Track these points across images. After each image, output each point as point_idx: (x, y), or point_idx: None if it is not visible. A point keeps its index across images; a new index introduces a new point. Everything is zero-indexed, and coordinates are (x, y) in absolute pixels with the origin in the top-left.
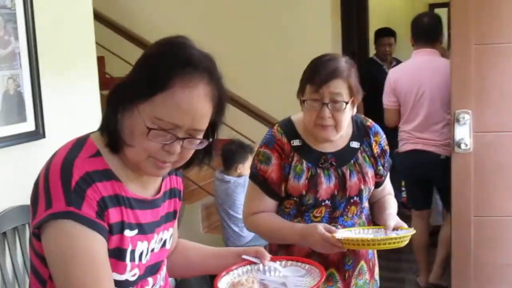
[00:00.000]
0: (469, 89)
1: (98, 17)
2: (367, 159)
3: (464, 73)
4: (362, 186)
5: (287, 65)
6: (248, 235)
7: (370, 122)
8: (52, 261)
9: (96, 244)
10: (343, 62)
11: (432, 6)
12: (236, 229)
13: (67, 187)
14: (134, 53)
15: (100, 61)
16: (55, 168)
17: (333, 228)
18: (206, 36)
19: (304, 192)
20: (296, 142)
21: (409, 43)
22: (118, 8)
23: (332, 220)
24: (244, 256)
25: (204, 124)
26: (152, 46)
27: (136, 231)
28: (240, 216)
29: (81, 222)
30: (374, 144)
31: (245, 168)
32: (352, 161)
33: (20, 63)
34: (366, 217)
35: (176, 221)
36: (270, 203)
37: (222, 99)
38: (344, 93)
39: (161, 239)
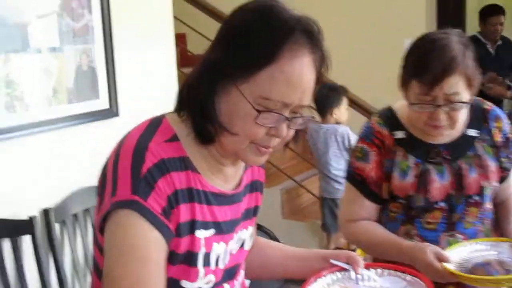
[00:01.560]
0: None
1: None
2: (488, 149)
3: None
4: (484, 183)
5: (378, 44)
6: (341, 192)
7: (488, 104)
8: (105, 252)
9: (153, 244)
10: (457, 45)
11: None
12: (331, 182)
13: (136, 173)
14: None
15: (181, 38)
16: (127, 152)
17: (445, 254)
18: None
19: (412, 193)
20: (399, 134)
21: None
22: None
23: (450, 227)
24: (333, 261)
25: (310, 99)
26: (238, 13)
27: (212, 230)
28: (340, 172)
29: (144, 215)
30: (495, 131)
31: (341, 112)
32: (470, 153)
33: (94, 37)
34: (491, 223)
35: (255, 218)
36: (370, 207)
37: (322, 67)
38: (462, 90)
39: (240, 238)
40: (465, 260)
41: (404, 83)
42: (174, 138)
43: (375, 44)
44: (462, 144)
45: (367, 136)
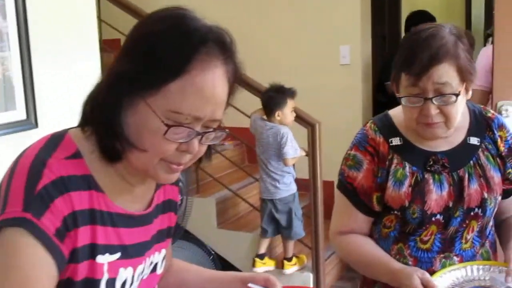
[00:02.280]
0: None
1: None
2: (492, 159)
3: (508, 59)
4: (486, 194)
5: (311, 50)
6: (284, 189)
7: (492, 113)
8: None
9: (42, 267)
10: (447, 35)
11: None
12: (270, 182)
13: (30, 190)
14: None
15: (115, 43)
16: (22, 167)
17: (432, 282)
18: (222, 15)
19: (407, 203)
20: (395, 141)
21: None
22: None
23: (446, 246)
24: (251, 285)
25: (222, 113)
26: (146, 22)
27: (118, 254)
28: (277, 172)
29: (35, 235)
30: (499, 140)
31: (285, 114)
32: (471, 162)
33: (9, 44)
34: (490, 245)
35: (170, 240)
36: (362, 220)
37: (236, 78)
38: (454, 80)
39: (152, 263)
40: (455, 286)
41: (395, 79)
42: (77, 155)
43: (311, 51)
44: (463, 153)
45: (360, 143)
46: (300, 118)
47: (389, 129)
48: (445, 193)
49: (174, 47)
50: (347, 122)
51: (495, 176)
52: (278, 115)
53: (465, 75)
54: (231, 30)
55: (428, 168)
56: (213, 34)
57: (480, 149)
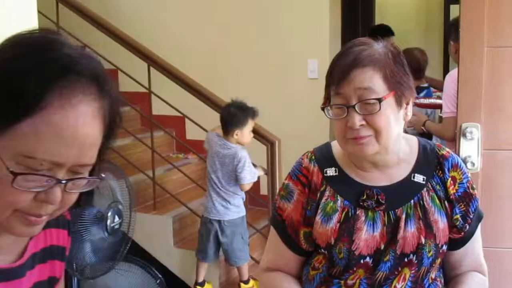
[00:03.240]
0: (478, 99)
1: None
2: (437, 201)
3: (473, 80)
4: (424, 240)
5: (278, 63)
6: (234, 211)
7: (446, 151)
8: None
9: None
10: (376, 47)
11: (448, 2)
12: (220, 202)
13: None
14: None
15: None
16: None
17: None
18: (186, 28)
19: (332, 241)
20: (330, 171)
21: (417, 41)
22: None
23: None
24: None
25: (94, 156)
26: (4, 45)
27: None
28: (228, 192)
29: None
30: (450, 181)
31: (244, 135)
32: (412, 202)
33: None
34: None
35: None
36: (289, 257)
37: (115, 115)
38: (378, 86)
39: None
40: None
41: (326, 97)
42: None
43: (278, 65)
44: (405, 190)
45: (293, 172)
46: (259, 135)
47: (326, 158)
48: (377, 233)
49: (27, 78)
50: (316, 138)
51: (440, 221)
52: (236, 134)
53: (393, 84)
54: (195, 42)
55: (361, 203)
56: (79, 65)
57: (425, 189)
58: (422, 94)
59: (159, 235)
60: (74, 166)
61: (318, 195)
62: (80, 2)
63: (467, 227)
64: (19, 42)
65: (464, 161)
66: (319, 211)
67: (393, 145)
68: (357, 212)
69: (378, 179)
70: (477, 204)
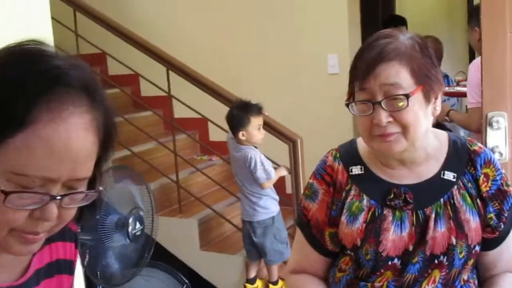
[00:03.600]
0: (503, 87)
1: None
2: (469, 199)
3: (498, 67)
4: (455, 240)
5: (297, 59)
6: (262, 212)
7: (478, 146)
8: None
9: None
10: (402, 39)
11: None
12: (248, 204)
13: None
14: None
15: (95, 58)
16: None
17: None
18: (209, 31)
19: (359, 242)
20: (356, 170)
21: (441, 30)
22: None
23: None
24: None
25: (89, 169)
26: None
27: None
28: (253, 194)
29: None
30: (482, 178)
31: (250, 134)
32: (442, 200)
33: None
34: None
35: None
36: (315, 259)
37: (109, 126)
38: (404, 81)
39: None
40: None
41: (350, 92)
42: None
43: (297, 61)
44: (434, 188)
45: (318, 170)
46: (280, 134)
47: (351, 156)
48: (405, 233)
49: (14, 92)
50: (338, 134)
51: (472, 220)
52: (243, 135)
53: (421, 78)
54: (209, 43)
55: (388, 203)
56: (68, 76)
57: (455, 186)
58: None
59: (185, 239)
60: (69, 181)
61: (344, 194)
62: (97, 9)
63: (502, 226)
64: (5, 54)
65: (492, 151)
66: (344, 211)
67: (421, 141)
68: (384, 212)
69: (406, 176)
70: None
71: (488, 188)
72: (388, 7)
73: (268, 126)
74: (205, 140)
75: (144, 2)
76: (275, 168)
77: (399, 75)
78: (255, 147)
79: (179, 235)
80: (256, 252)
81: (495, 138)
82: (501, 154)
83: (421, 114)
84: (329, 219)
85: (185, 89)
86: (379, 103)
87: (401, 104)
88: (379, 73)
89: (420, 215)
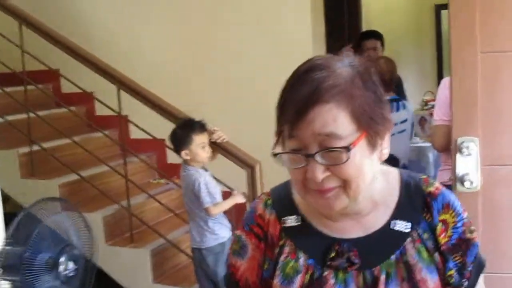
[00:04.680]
0: (474, 110)
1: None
2: (425, 254)
3: (468, 90)
4: None
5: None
6: (211, 237)
7: (435, 187)
8: None
9: None
10: (340, 71)
11: (439, 8)
12: (196, 229)
13: None
14: None
15: (41, 75)
16: None
17: None
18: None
19: None
20: (290, 221)
21: (408, 48)
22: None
23: None
24: None
25: None
26: None
27: None
28: (201, 218)
29: None
30: (441, 227)
31: (194, 152)
32: (393, 257)
33: None
34: None
35: None
36: None
37: None
38: (344, 129)
39: None
40: None
41: (277, 133)
42: None
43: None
44: (384, 242)
45: (246, 221)
46: (238, 159)
47: (285, 204)
48: None
49: None
50: None
51: (429, 280)
52: (187, 154)
53: (364, 123)
54: (169, 59)
55: (329, 263)
56: None
57: (409, 239)
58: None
59: (137, 270)
60: None
61: (276, 251)
62: (44, 23)
63: (466, 283)
64: None
65: (462, 179)
66: (277, 271)
67: (366, 192)
68: (325, 274)
69: (350, 229)
70: (477, 251)
71: (447, 239)
72: (354, 20)
73: (225, 150)
74: (163, 162)
75: (102, 18)
76: (229, 194)
77: (337, 122)
78: (206, 169)
79: (130, 266)
80: (209, 284)
81: (465, 165)
82: (471, 183)
83: (366, 164)
84: (261, 281)
85: (144, 109)
86: (313, 155)
87: (340, 157)
88: (312, 119)
89: (367, 277)
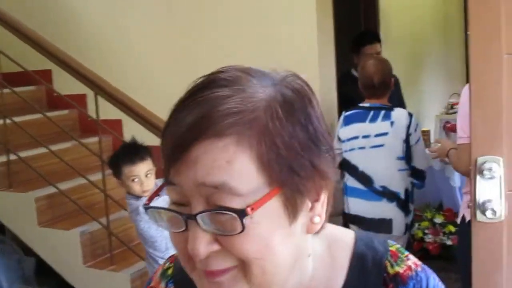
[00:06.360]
0: (498, 124)
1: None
2: None
3: (491, 99)
4: None
5: None
6: None
7: (406, 266)
8: None
9: None
10: (254, 91)
11: (467, 3)
12: (151, 262)
13: None
14: None
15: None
16: None
17: None
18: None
19: None
20: None
21: (434, 46)
22: None
23: None
24: None
25: None
26: None
27: None
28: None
29: None
30: None
31: (125, 185)
32: None
33: None
34: None
35: None
36: None
37: None
38: (242, 181)
39: None
40: None
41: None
42: None
43: None
44: None
45: None
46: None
47: (187, 278)
48: None
49: None
50: None
51: None
52: (121, 184)
53: (279, 174)
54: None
55: None
56: None
57: None
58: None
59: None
60: None
61: None
62: (16, 19)
63: None
64: None
65: (483, 207)
66: None
67: (285, 281)
68: None
69: None
70: None
71: None
72: (370, 13)
73: None
74: None
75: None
76: None
77: (234, 168)
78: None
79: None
80: None
81: (486, 189)
82: (494, 212)
83: (277, 239)
84: None
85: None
86: (195, 217)
87: (232, 224)
88: (195, 160)
89: None
